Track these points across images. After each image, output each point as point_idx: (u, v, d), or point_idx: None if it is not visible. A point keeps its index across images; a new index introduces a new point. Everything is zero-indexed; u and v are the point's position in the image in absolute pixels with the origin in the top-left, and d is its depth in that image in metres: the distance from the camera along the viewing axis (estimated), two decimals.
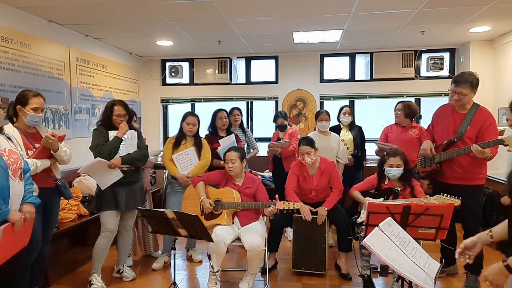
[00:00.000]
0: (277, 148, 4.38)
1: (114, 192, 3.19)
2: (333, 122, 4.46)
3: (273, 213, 3.16)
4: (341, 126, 4.53)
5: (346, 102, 6.16)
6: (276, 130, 4.68)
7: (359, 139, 4.43)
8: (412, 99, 6.00)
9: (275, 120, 4.62)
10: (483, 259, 3.07)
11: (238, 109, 4.67)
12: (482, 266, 3.08)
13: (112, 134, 3.19)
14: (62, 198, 2.99)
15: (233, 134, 4.14)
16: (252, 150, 4.74)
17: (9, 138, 2.32)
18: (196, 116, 3.72)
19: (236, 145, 3.91)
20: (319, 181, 3.52)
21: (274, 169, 4.60)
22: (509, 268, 1.55)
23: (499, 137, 2.89)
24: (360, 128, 4.55)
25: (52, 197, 2.87)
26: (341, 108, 4.51)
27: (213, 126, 4.19)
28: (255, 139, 4.91)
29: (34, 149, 2.69)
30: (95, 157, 3.11)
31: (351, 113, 4.48)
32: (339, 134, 4.46)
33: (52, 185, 2.85)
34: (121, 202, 3.20)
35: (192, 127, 3.66)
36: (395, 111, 4.21)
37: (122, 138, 3.18)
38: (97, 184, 3.22)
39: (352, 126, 4.50)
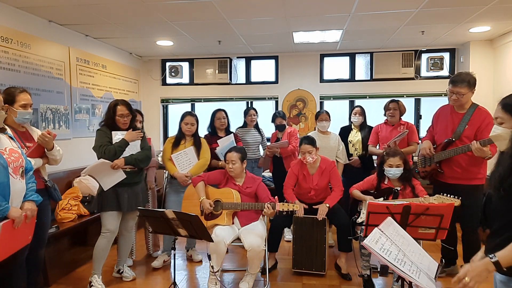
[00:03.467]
0: (276, 149, 4.39)
1: (116, 193, 3.18)
2: (339, 122, 4.42)
3: (272, 215, 3.16)
4: (352, 126, 4.49)
5: (346, 102, 6.18)
6: (275, 130, 4.68)
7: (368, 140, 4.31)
8: (412, 99, 6.02)
9: (273, 120, 4.62)
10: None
11: (254, 109, 4.67)
12: None
13: (115, 134, 3.18)
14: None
15: (232, 134, 4.14)
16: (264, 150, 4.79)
17: (11, 138, 2.32)
18: (195, 115, 3.72)
19: (235, 145, 3.91)
20: (319, 180, 3.52)
21: (274, 169, 4.60)
22: (498, 265, 1.18)
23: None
24: (371, 129, 4.41)
25: (43, 199, 2.71)
26: (353, 108, 4.50)
27: (212, 126, 4.19)
28: None
29: (25, 148, 2.62)
30: (98, 158, 3.11)
31: (362, 113, 4.41)
32: (348, 135, 4.44)
33: (42, 186, 2.75)
34: (123, 203, 3.20)
35: (191, 127, 3.66)
36: (388, 110, 4.09)
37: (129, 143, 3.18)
38: (99, 184, 3.22)
39: (362, 126, 4.44)
